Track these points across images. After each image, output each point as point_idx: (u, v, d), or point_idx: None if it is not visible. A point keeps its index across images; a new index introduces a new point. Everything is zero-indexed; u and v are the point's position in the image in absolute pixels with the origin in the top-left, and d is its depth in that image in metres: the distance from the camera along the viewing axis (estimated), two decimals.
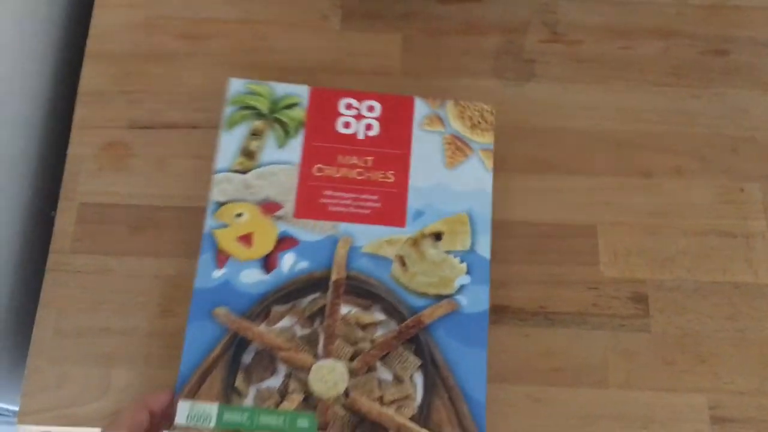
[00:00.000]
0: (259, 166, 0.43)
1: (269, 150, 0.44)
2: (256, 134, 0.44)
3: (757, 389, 0.43)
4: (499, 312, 0.44)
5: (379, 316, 0.40)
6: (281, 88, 0.45)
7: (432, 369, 0.39)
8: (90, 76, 0.49)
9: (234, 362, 0.39)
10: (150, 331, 0.44)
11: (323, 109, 0.45)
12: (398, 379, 0.39)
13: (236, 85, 0.45)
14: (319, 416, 0.38)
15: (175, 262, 0.45)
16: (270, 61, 0.50)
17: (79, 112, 0.48)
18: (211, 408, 0.38)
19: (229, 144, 0.44)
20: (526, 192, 0.47)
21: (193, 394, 0.38)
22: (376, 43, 0.51)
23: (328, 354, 0.39)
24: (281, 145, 0.44)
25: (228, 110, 0.44)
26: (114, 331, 0.44)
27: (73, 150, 0.47)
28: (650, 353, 0.43)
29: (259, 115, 0.44)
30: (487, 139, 0.45)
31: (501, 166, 0.46)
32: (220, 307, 0.40)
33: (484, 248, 0.42)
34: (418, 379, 0.39)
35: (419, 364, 0.39)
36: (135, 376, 0.43)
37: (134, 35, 0.50)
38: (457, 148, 0.44)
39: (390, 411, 0.38)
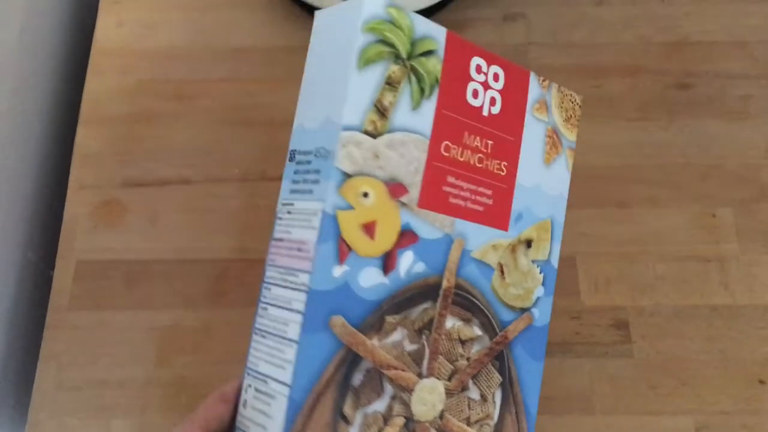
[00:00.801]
0: (390, 131, 0.32)
1: (402, 110, 0.33)
2: (391, 84, 0.32)
3: (742, 408, 0.44)
4: None
5: (477, 330, 0.36)
6: (421, 25, 0.33)
7: (508, 386, 0.37)
8: (84, 138, 0.52)
9: (345, 384, 0.32)
10: (147, 381, 0.45)
11: (458, 65, 0.35)
12: (483, 398, 0.37)
13: (372, 5, 0.32)
14: None
15: (170, 314, 0.46)
16: (257, 115, 0.53)
17: (75, 173, 0.51)
18: None
19: (360, 91, 0.31)
20: None
21: (304, 425, 0.30)
22: None
23: (430, 372, 0.34)
24: (415, 105, 0.33)
25: (361, 39, 0.31)
26: (112, 383, 0.45)
27: (69, 210, 0.49)
28: (634, 378, 0.45)
29: (397, 57, 0.32)
30: (574, 136, 0.40)
31: None
32: (336, 316, 0.31)
33: (555, 258, 0.39)
34: (498, 396, 0.37)
35: (500, 381, 0.37)
36: (134, 427, 0.44)
37: (126, 99, 0.53)
38: (554, 143, 0.40)
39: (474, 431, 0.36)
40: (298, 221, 0.31)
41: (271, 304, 0.31)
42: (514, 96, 0.37)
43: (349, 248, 0.31)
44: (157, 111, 0.53)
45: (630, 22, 0.56)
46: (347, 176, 0.31)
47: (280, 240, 0.32)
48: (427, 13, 0.54)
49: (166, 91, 0.53)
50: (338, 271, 0.31)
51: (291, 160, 0.33)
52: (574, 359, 0.45)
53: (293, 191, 0.32)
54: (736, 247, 0.48)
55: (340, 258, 0.31)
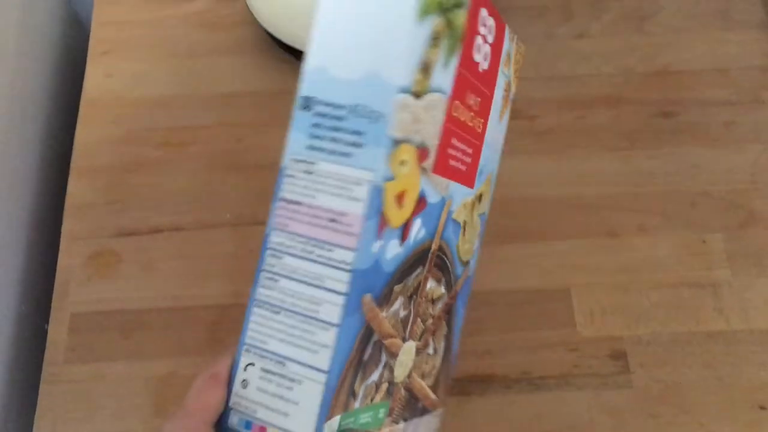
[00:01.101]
0: (428, 91, 0.29)
1: (438, 68, 0.30)
2: (436, 39, 0.29)
3: None
4: (485, 381, 0.45)
5: (442, 289, 0.36)
6: None
7: (450, 336, 0.37)
8: (76, 189, 0.52)
9: (360, 361, 0.30)
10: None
11: (474, 18, 0.32)
12: (436, 351, 0.36)
13: None
14: (392, 402, 0.33)
15: (166, 363, 0.46)
16: (246, 159, 0.53)
17: (67, 225, 0.51)
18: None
19: (414, 46, 0.28)
20: (500, 261, 0.49)
21: (332, 410, 0.28)
22: None
23: (411, 335, 0.33)
24: (446, 62, 0.30)
25: None
26: None
27: (62, 261, 0.49)
28: (634, 408, 0.45)
29: (441, 8, 0.29)
30: (515, 88, 0.40)
31: None
32: (366, 294, 0.29)
33: (487, 207, 0.38)
34: (441, 347, 0.37)
35: (446, 332, 0.37)
36: None
37: (117, 148, 0.53)
38: (506, 97, 0.39)
39: (425, 383, 0.35)
40: (328, 187, 0.28)
41: (286, 276, 0.28)
42: (496, 50, 0.36)
43: (386, 221, 0.28)
44: (147, 159, 0.53)
45: (611, 54, 0.57)
46: (395, 143, 0.28)
47: (296, 203, 0.28)
48: None
49: (156, 139, 0.54)
50: (376, 246, 0.28)
51: (305, 108, 0.28)
52: (574, 392, 0.45)
53: (313, 148, 0.28)
54: (728, 272, 0.48)
55: (379, 232, 0.28)
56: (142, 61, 0.57)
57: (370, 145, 0.27)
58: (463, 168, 0.34)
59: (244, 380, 0.29)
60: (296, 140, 0.29)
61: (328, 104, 0.28)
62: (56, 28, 0.61)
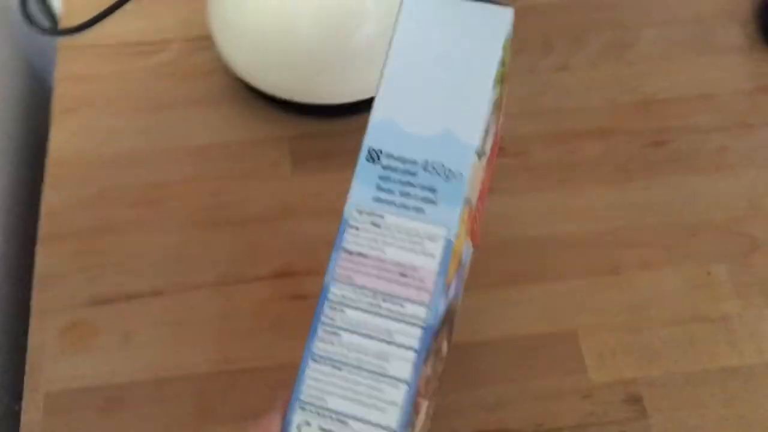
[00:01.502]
0: (484, 153, 0.31)
1: (490, 131, 0.32)
2: (497, 105, 0.32)
3: None
4: None
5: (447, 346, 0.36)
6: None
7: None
8: (45, 257, 0.48)
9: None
10: None
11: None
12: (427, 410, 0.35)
13: (512, 15, 0.30)
14: None
15: None
16: (227, 214, 0.50)
17: (37, 297, 0.47)
18: None
19: (486, 111, 0.29)
20: (501, 306, 0.47)
21: None
22: (330, 183, 0.51)
23: (427, 394, 0.33)
24: (494, 125, 0.33)
25: (500, 56, 0.29)
26: None
27: (33, 337, 0.46)
28: None
29: (503, 76, 0.31)
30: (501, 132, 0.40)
31: (473, 284, 0.46)
32: None
33: None
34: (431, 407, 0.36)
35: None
36: None
37: (88, 210, 0.50)
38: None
39: None
40: (398, 240, 0.28)
41: (350, 330, 0.28)
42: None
43: (448, 277, 0.28)
44: (121, 220, 0.50)
45: (595, 85, 0.56)
46: (465, 202, 0.28)
47: (362, 255, 0.28)
48: None
49: (129, 198, 0.51)
50: (441, 303, 0.28)
51: (372, 160, 0.29)
52: None
53: (380, 200, 0.28)
54: (737, 303, 0.47)
55: (446, 289, 0.28)
56: (110, 117, 0.54)
57: (445, 203, 0.28)
58: (477, 228, 0.35)
59: None
60: (361, 191, 0.29)
61: (398, 158, 0.28)
62: (17, 87, 0.58)
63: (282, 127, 0.54)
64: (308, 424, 0.27)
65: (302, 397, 0.27)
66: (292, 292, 0.47)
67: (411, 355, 0.27)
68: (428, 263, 0.27)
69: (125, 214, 0.50)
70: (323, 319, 0.28)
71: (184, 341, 0.46)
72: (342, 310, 0.28)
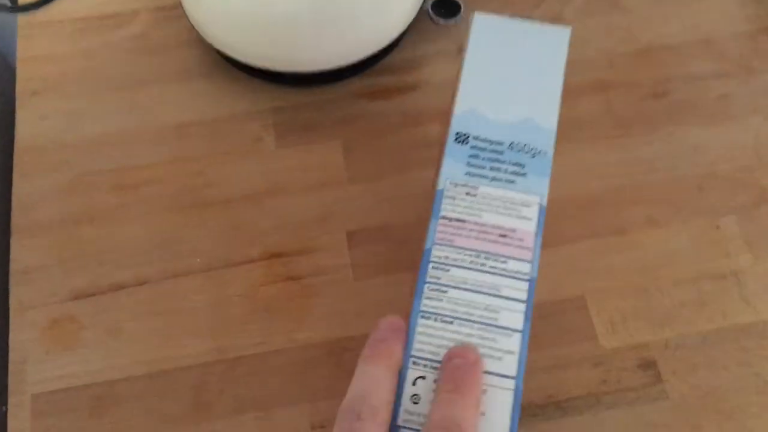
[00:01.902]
0: None
1: None
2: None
3: None
4: None
5: None
6: None
7: None
8: (20, 251, 0.46)
9: None
10: None
11: None
12: None
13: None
14: None
15: None
16: (211, 195, 0.47)
17: (15, 294, 0.44)
18: None
19: (561, 83, 0.36)
20: None
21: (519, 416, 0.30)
22: (315, 155, 0.49)
23: None
24: None
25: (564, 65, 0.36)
26: None
27: (14, 337, 0.43)
28: (673, 421, 0.41)
29: None
30: None
31: None
32: None
33: None
34: None
35: None
36: None
37: (62, 199, 0.47)
38: None
39: None
40: (494, 207, 0.31)
41: (456, 287, 0.30)
42: None
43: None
44: (98, 207, 0.47)
45: (589, 37, 0.53)
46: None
47: (460, 221, 0.31)
48: (384, 53, 0.50)
49: (106, 183, 0.48)
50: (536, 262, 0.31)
51: (461, 142, 0.33)
52: (606, 412, 0.41)
53: (472, 174, 0.32)
54: (749, 257, 0.45)
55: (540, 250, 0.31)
56: (78, 98, 0.51)
57: (534, 175, 0.32)
58: None
59: (414, 395, 0.29)
60: (453, 167, 0.32)
61: (484, 140, 0.33)
62: None
63: (262, 100, 0.51)
64: (423, 378, 0.29)
65: (414, 353, 0.29)
66: (285, 273, 0.45)
67: (521, 306, 0.30)
68: (526, 225, 0.31)
69: (102, 200, 0.47)
70: (428, 279, 0.30)
71: (174, 332, 0.43)
72: (447, 269, 0.30)
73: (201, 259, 0.45)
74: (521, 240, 0.31)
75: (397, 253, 0.45)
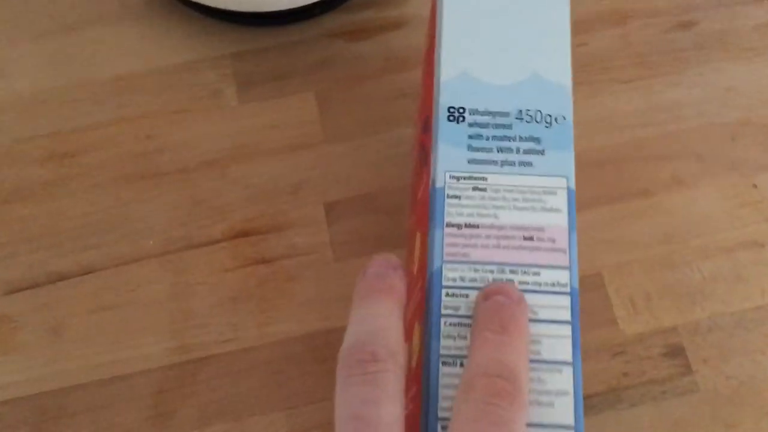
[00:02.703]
0: None
1: None
2: None
3: None
4: None
5: None
6: None
7: None
8: None
9: None
10: None
11: None
12: None
13: None
14: None
15: None
16: (163, 163, 0.40)
17: None
18: None
19: (568, 22, 0.29)
20: None
21: None
22: (284, 110, 0.41)
23: None
24: None
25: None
26: None
27: None
28: (706, 418, 0.36)
29: None
30: None
31: None
32: None
33: None
34: None
35: None
36: None
37: None
38: None
39: None
40: (511, 201, 0.25)
41: None
42: None
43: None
44: (30, 182, 0.40)
45: None
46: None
47: (472, 227, 0.24)
48: None
49: (38, 152, 0.41)
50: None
51: (455, 119, 0.25)
52: (629, 409, 0.36)
53: (476, 161, 0.25)
54: None
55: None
56: (1, 48, 0.43)
57: (554, 150, 0.26)
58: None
59: None
60: (450, 155, 0.25)
61: (485, 113, 0.26)
62: None
63: (220, 43, 0.43)
64: None
65: (441, 412, 0.22)
66: (254, 255, 0.39)
67: (566, 330, 0.23)
68: (555, 219, 0.24)
69: (35, 173, 0.40)
70: (444, 312, 0.23)
71: (128, 329, 0.37)
72: (465, 294, 0.24)
73: (155, 241, 0.39)
74: (552, 240, 0.24)
75: (385, 227, 0.39)
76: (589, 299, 0.38)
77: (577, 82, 0.42)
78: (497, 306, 0.23)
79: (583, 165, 0.40)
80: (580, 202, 0.39)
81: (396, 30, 0.43)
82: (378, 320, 0.23)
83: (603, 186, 0.40)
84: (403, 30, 0.43)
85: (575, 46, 0.43)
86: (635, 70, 0.42)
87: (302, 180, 0.40)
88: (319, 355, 0.37)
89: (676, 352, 0.37)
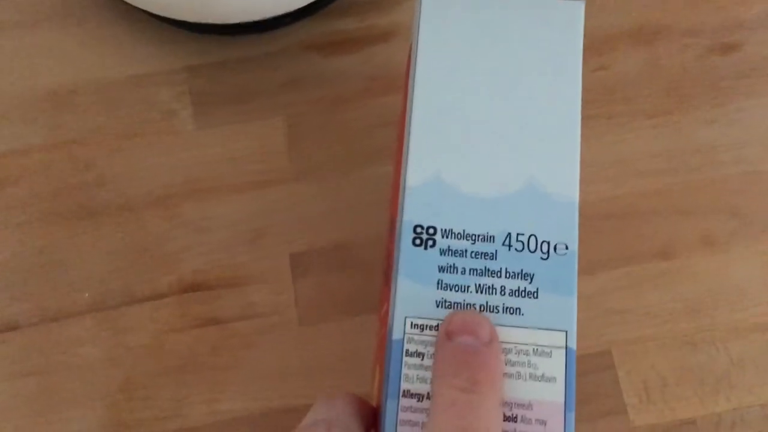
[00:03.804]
0: None
1: None
2: None
3: None
4: None
5: None
6: None
7: None
8: None
9: None
10: None
11: None
12: None
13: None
14: None
15: None
16: (101, 200, 0.34)
17: None
18: None
19: (578, 115, 0.23)
20: None
21: None
22: (248, 139, 0.35)
23: None
24: None
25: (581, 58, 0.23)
26: None
27: None
28: None
29: None
30: None
31: None
32: None
33: None
34: None
35: None
36: None
37: None
38: None
39: None
40: None
41: None
42: None
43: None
44: None
45: None
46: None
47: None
48: None
49: None
50: None
51: (422, 244, 0.20)
52: None
53: (448, 304, 0.19)
54: None
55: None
56: None
57: (551, 292, 0.19)
58: None
59: None
60: (413, 294, 0.19)
61: (462, 236, 0.20)
62: None
63: (175, 55, 0.36)
64: None
65: None
66: (206, 314, 0.33)
67: None
68: (548, 392, 0.19)
69: None
70: None
71: (55, 399, 0.32)
72: None
73: (90, 294, 0.33)
74: (543, 423, 0.18)
75: (360, 286, 0.33)
76: (596, 382, 0.32)
77: (592, 115, 0.36)
78: (463, 351, 0.18)
79: (592, 218, 0.34)
80: (586, 264, 0.33)
81: (383, 43, 0.37)
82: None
83: (616, 244, 0.34)
84: (391, 43, 0.36)
85: (592, 70, 0.36)
86: (663, 103, 0.36)
87: (265, 225, 0.34)
88: None
89: None
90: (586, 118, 0.35)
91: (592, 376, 0.32)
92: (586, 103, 0.36)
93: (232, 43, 0.36)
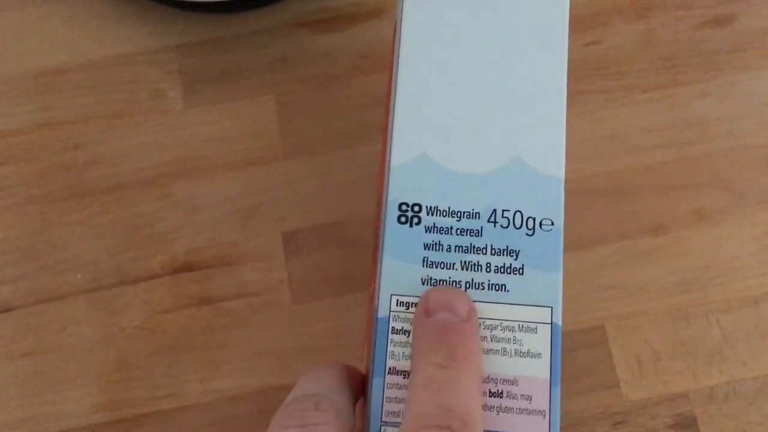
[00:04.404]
0: None
1: None
2: None
3: None
4: None
5: None
6: None
7: None
8: None
9: None
10: None
11: None
12: None
13: None
14: None
15: None
16: (91, 180, 0.34)
17: None
18: None
19: (563, 90, 0.23)
20: None
21: None
22: (238, 118, 0.35)
23: None
24: None
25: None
26: None
27: None
28: None
29: None
30: None
31: None
32: None
33: None
34: None
35: None
36: None
37: None
38: None
39: None
40: None
41: None
42: None
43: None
44: None
45: None
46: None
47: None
48: None
49: None
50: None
51: (407, 221, 0.20)
52: None
53: (433, 281, 0.19)
54: None
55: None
56: None
57: (536, 268, 0.19)
58: None
59: None
60: (399, 272, 0.19)
61: (447, 213, 0.20)
62: None
63: (163, 34, 0.36)
64: None
65: None
66: (198, 294, 0.33)
67: None
68: (533, 368, 0.19)
69: None
70: None
71: (50, 380, 0.32)
72: None
73: (83, 275, 0.33)
74: (528, 398, 0.19)
75: (353, 263, 0.33)
76: (589, 357, 0.32)
77: (585, 90, 0.35)
78: (442, 327, 0.18)
79: (584, 193, 0.34)
80: (579, 239, 0.33)
81: (373, 19, 0.36)
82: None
83: (608, 220, 0.34)
84: (380, 20, 0.36)
85: (584, 44, 0.36)
86: (657, 76, 0.35)
87: (257, 203, 0.34)
88: (270, 417, 0.32)
89: (686, 423, 0.31)
90: (578, 93, 0.35)
91: (585, 351, 0.32)
92: (578, 78, 0.36)
93: (220, 21, 0.36)
